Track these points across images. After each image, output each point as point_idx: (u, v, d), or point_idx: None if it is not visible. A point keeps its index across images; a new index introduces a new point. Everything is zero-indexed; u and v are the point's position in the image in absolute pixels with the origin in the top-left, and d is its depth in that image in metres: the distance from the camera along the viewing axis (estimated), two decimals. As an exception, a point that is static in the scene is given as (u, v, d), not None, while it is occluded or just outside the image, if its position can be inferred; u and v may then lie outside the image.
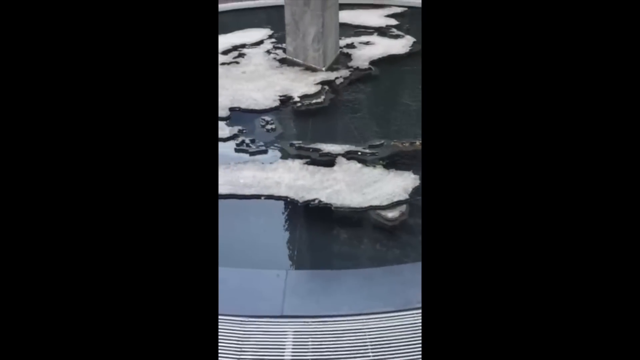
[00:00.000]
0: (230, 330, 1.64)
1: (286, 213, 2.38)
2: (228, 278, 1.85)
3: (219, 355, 1.54)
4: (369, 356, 1.54)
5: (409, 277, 1.84)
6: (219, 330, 1.63)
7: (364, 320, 1.66)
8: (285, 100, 3.39)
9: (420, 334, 1.60)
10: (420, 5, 5.26)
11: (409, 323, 1.65)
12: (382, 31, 4.54)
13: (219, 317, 1.64)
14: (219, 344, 1.58)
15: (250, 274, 1.92)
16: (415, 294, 1.76)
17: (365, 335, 1.62)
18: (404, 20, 4.81)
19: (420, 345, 1.56)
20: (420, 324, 1.64)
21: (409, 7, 5.22)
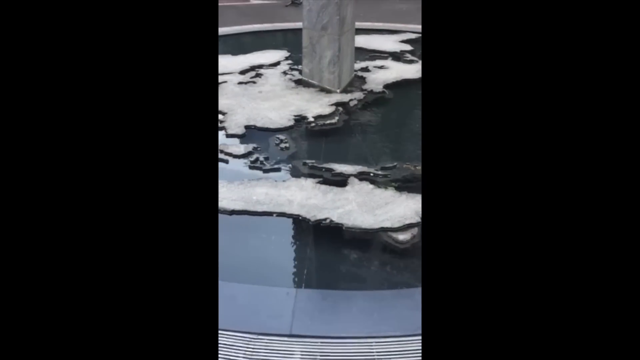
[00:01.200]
0: (237, 347, 1.63)
1: (297, 231, 2.39)
2: (238, 294, 1.85)
3: (226, 372, 1.53)
4: (378, 381, 1.52)
5: (420, 302, 1.82)
6: (227, 346, 1.62)
7: (373, 344, 1.64)
8: (300, 120, 3.46)
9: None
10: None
11: (418, 349, 1.62)
12: (397, 56, 4.65)
13: (228, 333, 1.64)
14: (227, 361, 1.57)
15: (260, 291, 1.92)
16: (426, 319, 1.73)
17: (373, 358, 1.59)
18: (418, 46, 4.91)
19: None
20: (430, 350, 1.61)
21: (423, 34, 5.33)
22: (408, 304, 1.81)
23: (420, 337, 1.65)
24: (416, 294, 1.89)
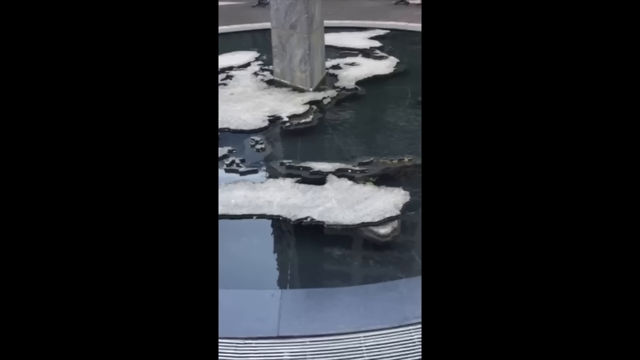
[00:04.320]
0: (225, 354, 1.60)
1: (278, 232, 2.37)
2: (222, 300, 1.79)
3: (215, 380, 1.50)
4: (368, 375, 1.52)
5: (405, 293, 1.84)
6: (214, 354, 1.59)
7: (361, 338, 1.65)
8: (274, 120, 3.43)
9: (416, 350, 1.59)
10: (402, 28, 5.48)
11: (406, 339, 1.64)
12: (367, 53, 4.69)
13: (214, 340, 1.61)
14: (214, 369, 1.53)
15: (245, 295, 1.89)
16: (411, 310, 1.75)
17: (362, 353, 1.60)
18: (387, 42, 4.98)
19: (419, 361, 1.55)
20: (417, 340, 1.64)
21: (391, 30, 5.42)
22: (393, 297, 1.83)
23: (406, 328, 1.68)
24: (400, 285, 1.91)
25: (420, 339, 1.64)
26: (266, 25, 4.28)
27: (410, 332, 1.66)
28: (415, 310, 1.73)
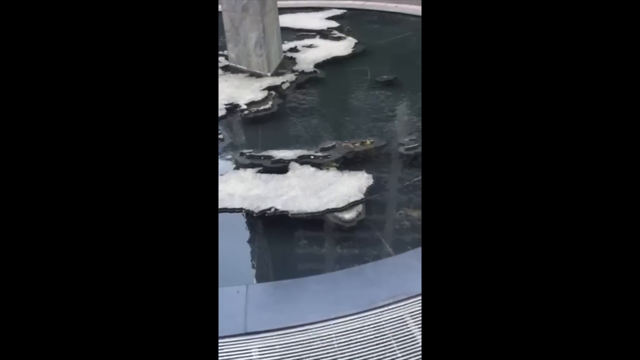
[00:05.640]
0: (191, 357, 1.55)
1: (242, 225, 2.31)
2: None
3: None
4: (338, 362, 1.53)
5: (372, 277, 1.85)
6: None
7: (331, 326, 1.65)
8: (232, 108, 3.31)
9: (385, 332, 1.62)
10: (359, 7, 5.40)
11: (374, 322, 1.66)
12: (324, 34, 4.59)
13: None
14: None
15: (209, 294, 1.84)
16: (378, 293, 1.77)
17: (332, 340, 1.60)
18: (344, 22, 4.90)
19: (386, 342, 1.57)
20: (384, 322, 1.66)
21: (348, 9, 5.33)
22: (360, 281, 1.84)
23: (375, 311, 1.69)
24: (366, 269, 1.92)
25: (388, 322, 1.66)
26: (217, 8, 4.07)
27: (378, 315, 1.68)
28: (381, 293, 1.75)
